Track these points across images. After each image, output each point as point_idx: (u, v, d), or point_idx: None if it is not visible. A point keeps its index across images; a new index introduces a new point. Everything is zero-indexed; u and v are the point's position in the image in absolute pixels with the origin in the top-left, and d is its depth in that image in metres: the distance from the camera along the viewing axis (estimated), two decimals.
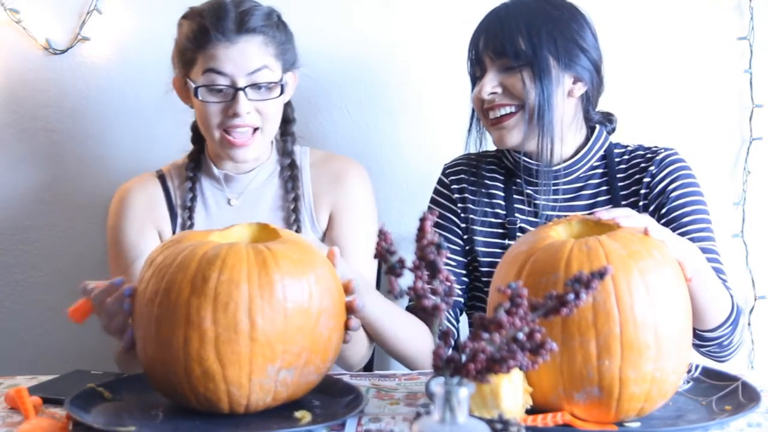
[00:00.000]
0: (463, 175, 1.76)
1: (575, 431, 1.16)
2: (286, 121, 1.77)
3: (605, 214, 1.27)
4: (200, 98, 1.63)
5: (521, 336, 0.87)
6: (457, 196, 1.75)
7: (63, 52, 2.04)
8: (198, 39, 1.62)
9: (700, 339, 1.48)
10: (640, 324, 1.13)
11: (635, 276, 1.14)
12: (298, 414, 1.22)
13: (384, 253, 0.96)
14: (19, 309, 2.11)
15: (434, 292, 0.92)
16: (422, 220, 0.93)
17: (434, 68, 2.08)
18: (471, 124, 1.75)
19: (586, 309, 1.13)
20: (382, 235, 0.96)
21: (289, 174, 1.74)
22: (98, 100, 2.07)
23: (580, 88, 1.63)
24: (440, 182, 1.80)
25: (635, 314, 1.13)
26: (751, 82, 2.07)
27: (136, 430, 1.17)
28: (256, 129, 1.64)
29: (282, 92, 1.66)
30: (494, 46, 1.61)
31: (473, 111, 1.72)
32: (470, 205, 1.73)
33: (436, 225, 1.74)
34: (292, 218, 1.71)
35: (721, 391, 1.31)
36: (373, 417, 1.25)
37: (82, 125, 2.07)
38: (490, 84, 1.61)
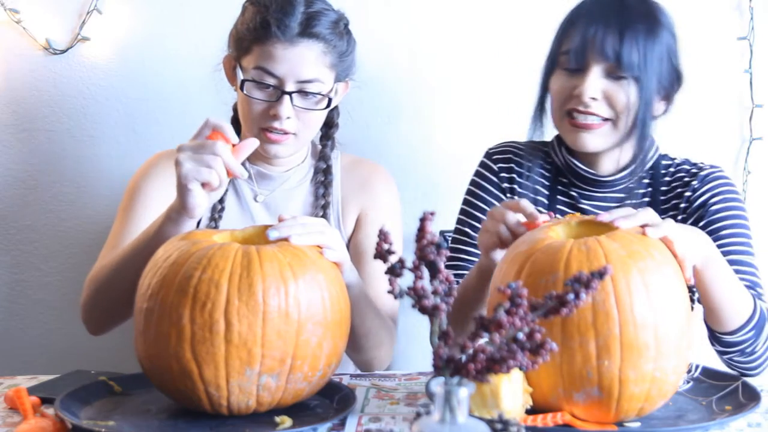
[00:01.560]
0: (513, 164, 1.69)
1: (575, 431, 1.16)
2: (329, 126, 1.73)
3: (606, 216, 1.26)
4: (245, 92, 1.58)
5: (521, 336, 0.87)
6: (506, 185, 1.68)
7: (63, 52, 2.04)
8: (257, 31, 1.56)
9: (721, 344, 1.42)
10: (639, 324, 1.13)
11: (635, 276, 1.14)
12: (277, 418, 1.21)
13: (384, 253, 0.96)
14: (19, 309, 2.11)
15: (434, 292, 0.92)
16: (422, 220, 0.93)
17: (435, 69, 2.08)
18: (535, 114, 1.65)
19: (586, 309, 1.13)
20: (382, 235, 0.96)
21: (323, 180, 1.71)
22: (98, 100, 2.07)
23: (662, 107, 1.60)
24: (485, 166, 1.71)
25: (635, 314, 1.13)
26: (751, 82, 2.07)
27: (115, 426, 1.17)
28: (291, 134, 1.60)
29: (328, 105, 1.61)
30: (606, 48, 1.51)
31: (540, 99, 1.63)
32: (517, 197, 1.66)
33: (481, 210, 1.66)
34: None
35: (721, 391, 1.32)
36: (373, 417, 1.25)
37: (82, 125, 2.07)
38: (595, 88, 1.52)
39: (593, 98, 1.52)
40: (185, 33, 2.06)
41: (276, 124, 1.58)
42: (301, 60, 1.56)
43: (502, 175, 1.69)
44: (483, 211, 1.67)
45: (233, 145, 1.37)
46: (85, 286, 1.57)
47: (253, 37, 1.57)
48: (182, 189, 1.35)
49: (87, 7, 2.03)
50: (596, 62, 1.52)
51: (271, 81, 1.57)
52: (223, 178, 1.35)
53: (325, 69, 1.59)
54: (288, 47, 1.55)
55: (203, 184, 1.35)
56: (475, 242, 1.64)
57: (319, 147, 1.75)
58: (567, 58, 1.55)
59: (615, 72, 1.52)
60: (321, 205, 1.69)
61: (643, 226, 1.23)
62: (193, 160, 1.34)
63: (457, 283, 1.66)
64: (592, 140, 1.56)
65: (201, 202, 1.36)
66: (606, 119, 1.54)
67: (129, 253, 1.47)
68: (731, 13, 2.07)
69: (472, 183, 1.72)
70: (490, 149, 1.74)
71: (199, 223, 1.64)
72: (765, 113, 2.09)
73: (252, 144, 1.39)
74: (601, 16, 1.52)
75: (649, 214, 1.25)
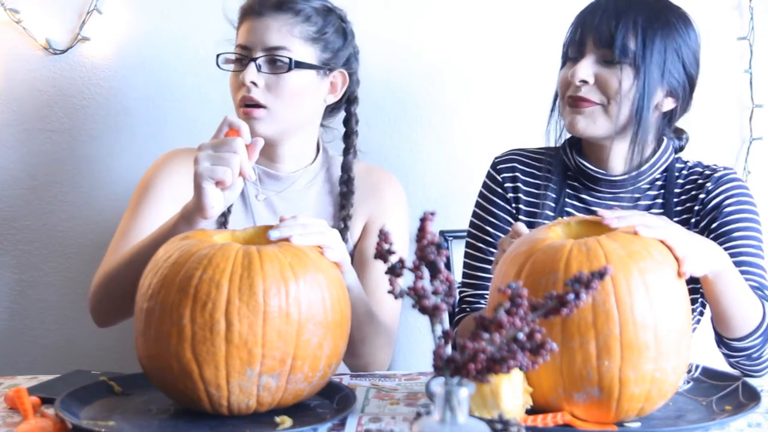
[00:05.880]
0: (517, 174, 1.69)
1: (575, 431, 1.16)
2: (348, 135, 1.75)
3: (600, 213, 1.25)
4: (220, 65, 1.65)
5: (521, 336, 0.87)
6: (511, 195, 1.69)
7: (63, 52, 2.04)
8: (240, 15, 1.66)
9: (728, 348, 1.43)
10: (639, 324, 1.13)
11: (635, 276, 1.14)
12: (277, 419, 1.21)
13: (384, 253, 0.96)
14: (19, 309, 2.11)
15: (434, 292, 0.92)
16: (422, 220, 0.93)
17: (434, 68, 2.08)
18: (552, 111, 1.65)
19: (586, 309, 1.13)
20: (382, 235, 0.96)
21: (345, 191, 1.70)
22: (98, 100, 2.07)
23: (670, 104, 1.59)
24: (490, 177, 1.72)
25: (635, 314, 1.13)
26: (751, 82, 2.07)
27: (115, 426, 1.17)
28: (262, 107, 1.60)
29: (289, 69, 1.59)
30: (601, 34, 1.52)
31: (556, 96, 1.64)
32: (522, 205, 1.67)
33: (489, 223, 1.68)
34: None
35: (721, 391, 1.31)
36: (373, 417, 1.25)
37: (82, 125, 2.07)
38: (585, 71, 1.53)
39: (584, 81, 1.54)
40: (185, 33, 2.06)
41: (245, 92, 1.59)
42: (267, 28, 1.61)
43: (507, 185, 1.70)
44: (492, 225, 1.68)
45: (247, 145, 1.38)
46: (96, 278, 1.58)
47: (238, 24, 1.66)
48: (196, 188, 1.36)
49: (87, 7, 2.03)
50: (592, 49, 1.55)
51: (242, 53, 1.62)
52: (236, 176, 1.35)
53: (294, 39, 1.61)
54: (256, 19, 1.62)
55: (217, 183, 1.35)
56: (489, 257, 1.67)
57: (331, 153, 1.76)
58: (571, 49, 1.58)
59: (609, 58, 1.53)
60: (342, 218, 1.68)
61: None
62: (210, 158, 1.35)
63: (480, 302, 1.66)
64: (584, 122, 1.55)
65: (215, 203, 1.36)
66: (597, 103, 1.54)
67: (142, 248, 1.47)
68: (731, 13, 2.07)
69: (480, 195, 1.73)
70: (496, 158, 1.74)
71: None
72: (765, 113, 2.09)
73: (259, 143, 1.41)
74: (603, 9, 1.55)
75: (642, 217, 1.25)
